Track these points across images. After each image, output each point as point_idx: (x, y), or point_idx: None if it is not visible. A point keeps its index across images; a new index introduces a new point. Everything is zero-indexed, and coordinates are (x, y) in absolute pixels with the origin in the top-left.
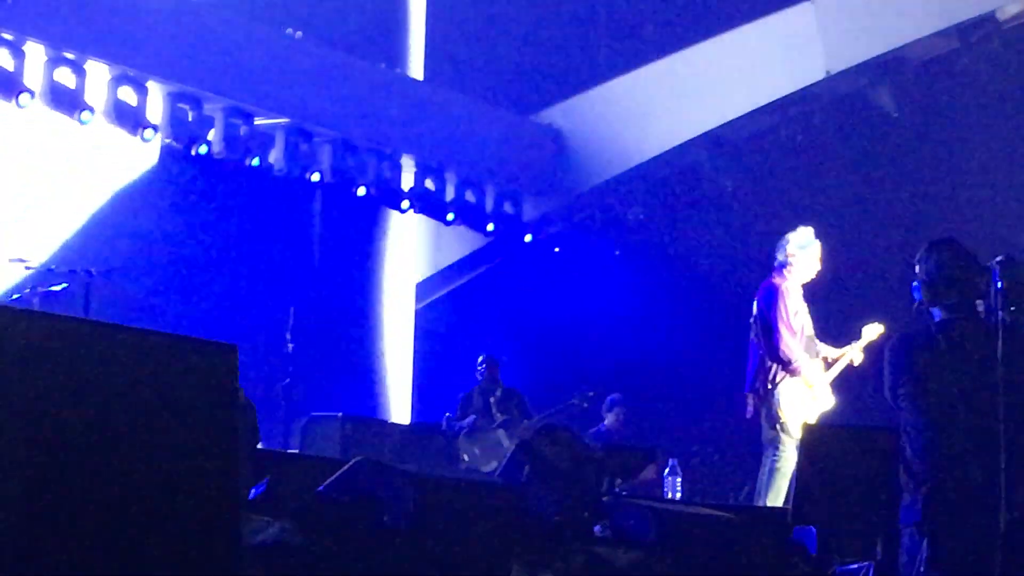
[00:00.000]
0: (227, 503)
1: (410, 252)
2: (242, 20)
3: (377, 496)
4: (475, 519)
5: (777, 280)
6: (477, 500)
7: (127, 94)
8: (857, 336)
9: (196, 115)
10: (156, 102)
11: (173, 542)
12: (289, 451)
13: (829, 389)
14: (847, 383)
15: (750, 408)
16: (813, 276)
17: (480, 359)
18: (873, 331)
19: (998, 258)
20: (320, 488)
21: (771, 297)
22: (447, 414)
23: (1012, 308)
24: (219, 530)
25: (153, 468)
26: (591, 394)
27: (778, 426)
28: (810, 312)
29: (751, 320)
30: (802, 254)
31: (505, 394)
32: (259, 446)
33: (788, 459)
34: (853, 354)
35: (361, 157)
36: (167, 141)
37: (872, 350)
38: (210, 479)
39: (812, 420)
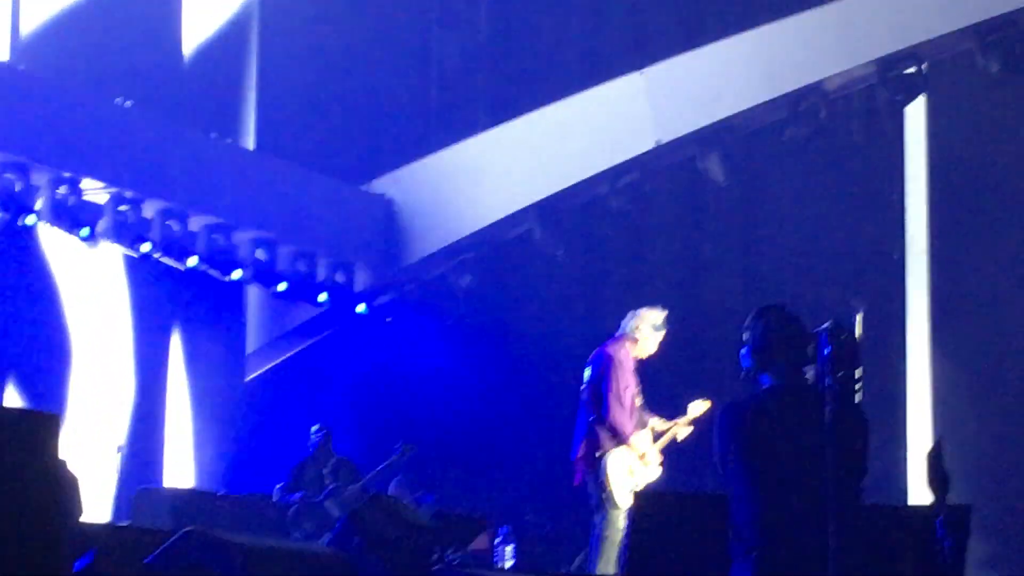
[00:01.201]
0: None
1: (241, 323)
2: (71, 87)
3: (206, 566)
4: None
5: (612, 350)
6: (307, 569)
7: None
8: (683, 410)
9: (23, 184)
10: None
11: None
12: (118, 523)
13: (657, 459)
14: (677, 450)
15: (578, 476)
16: (647, 357)
17: (313, 429)
18: (698, 407)
19: (825, 324)
20: (147, 559)
21: (605, 366)
22: (278, 485)
23: (840, 374)
24: None
25: None
26: (408, 447)
27: (604, 495)
28: (640, 382)
29: (581, 387)
30: (652, 335)
31: (338, 464)
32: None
33: (616, 527)
34: (679, 429)
35: (192, 228)
36: None
37: (699, 424)
38: (31, 552)
39: (639, 489)
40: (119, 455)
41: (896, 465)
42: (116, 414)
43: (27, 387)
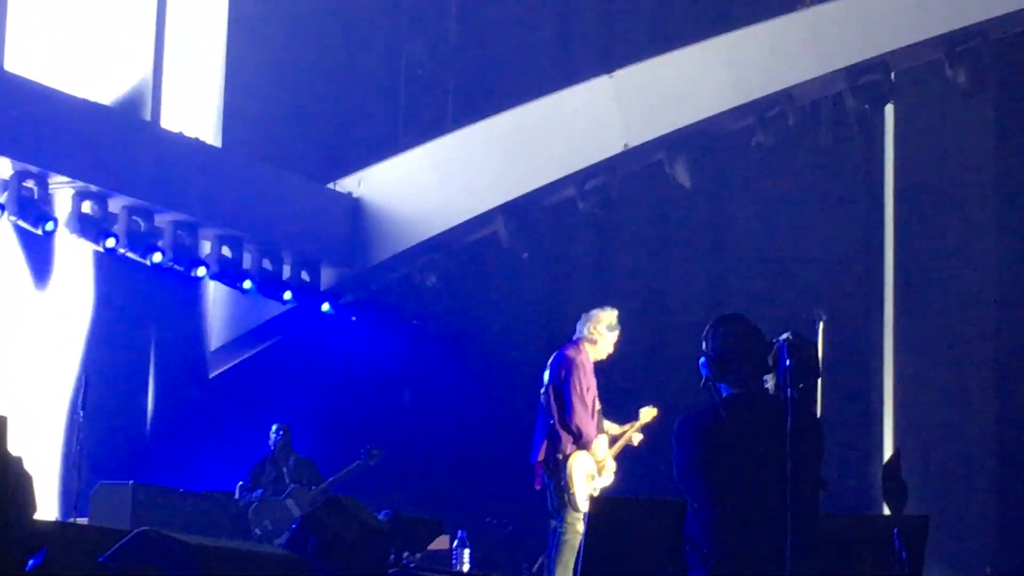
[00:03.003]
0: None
1: (206, 320)
2: (33, 82)
3: (159, 566)
4: None
5: (572, 353)
6: (260, 571)
7: None
8: (637, 416)
9: None
10: None
11: None
12: (72, 520)
13: (613, 466)
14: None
15: (538, 480)
16: (604, 358)
17: (274, 428)
18: (648, 414)
19: (785, 335)
20: (101, 558)
21: (567, 369)
22: (240, 483)
23: (800, 385)
24: None
25: None
26: (376, 451)
27: (566, 497)
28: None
29: (541, 390)
30: (607, 335)
31: (298, 463)
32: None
33: (575, 531)
34: (632, 434)
35: (158, 224)
36: None
37: (648, 430)
38: None
39: (596, 494)
40: (77, 450)
41: (868, 476)
42: (75, 409)
43: None
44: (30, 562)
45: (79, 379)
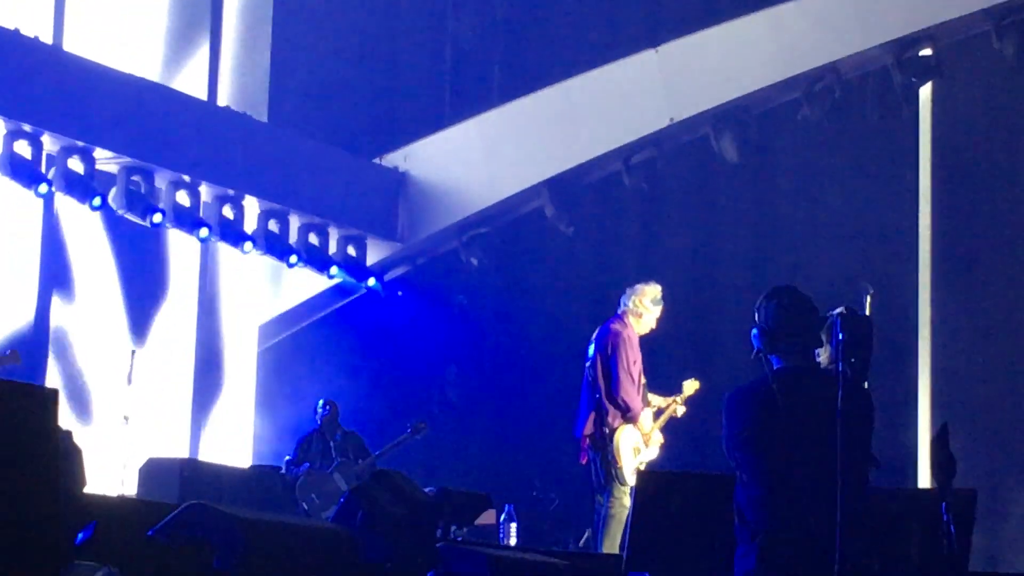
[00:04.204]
0: (49, 547)
1: (253, 294)
2: (79, 58)
3: (207, 539)
4: (306, 564)
5: (618, 326)
6: (308, 544)
7: None
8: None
9: (34, 152)
10: None
11: None
12: (122, 495)
13: (659, 439)
14: (680, 429)
15: (584, 453)
16: (648, 332)
17: (320, 402)
18: (691, 386)
19: (839, 309)
20: (150, 531)
21: (613, 343)
22: (287, 457)
23: (852, 360)
24: (42, 574)
25: None
26: (422, 425)
27: (612, 471)
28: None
29: (586, 364)
30: (652, 308)
31: (344, 437)
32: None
33: (622, 505)
34: (676, 407)
35: (204, 199)
36: None
37: (695, 403)
38: (31, 524)
39: (642, 467)
40: (126, 424)
41: (907, 450)
42: (123, 383)
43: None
44: (79, 536)
45: (130, 353)
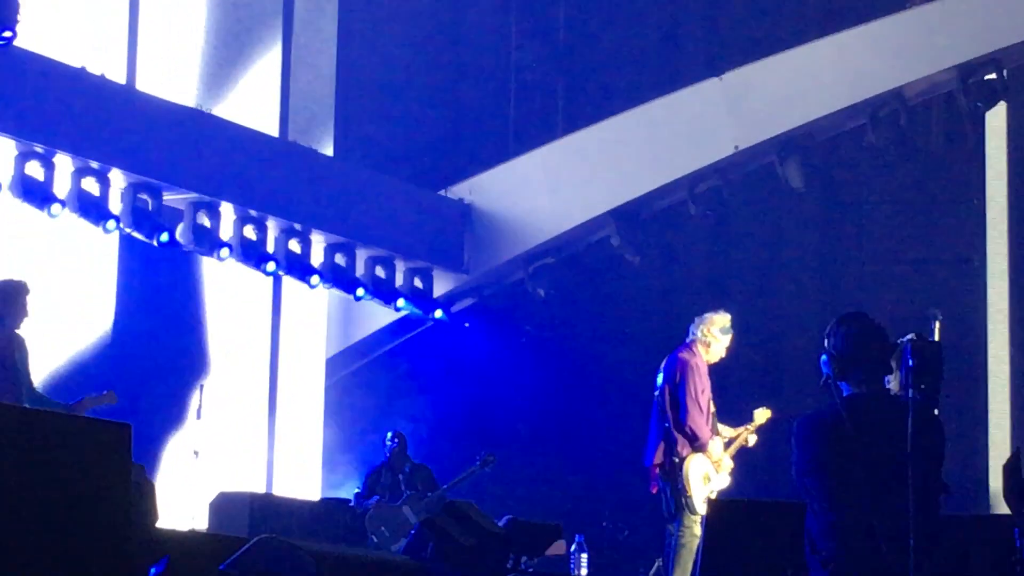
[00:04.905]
0: None
1: (320, 328)
2: (147, 95)
3: (279, 573)
4: None
5: (686, 355)
6: None
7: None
8: (751, 417)
9: (102, 189)
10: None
11: None
12: (194, 529)
13: (729, 466)
14: (753, 457)
15: (653, 483)
16: (717, 361)
17: (389, 435)
18: (762, 415)
19: (910, 336)
20: (222, 566)
21: (681, 371)
22: (356, 490)
23: (922, 387)
24: None
25: (45, 548)
26: (490, 458)
27: (684, 500)
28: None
29: (655, 393)
30: (720, 337)
31: (414, 470)
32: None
33: (693, 534)
34: (747, 435)
35: (271, 233)
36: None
37: (765, 431)
38: (105, 559)
39: (713, 496)
40: (196, 459)
41: (977, 475)
42: (197, 418)
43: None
44: (152, 571)
45: (199, 387)
